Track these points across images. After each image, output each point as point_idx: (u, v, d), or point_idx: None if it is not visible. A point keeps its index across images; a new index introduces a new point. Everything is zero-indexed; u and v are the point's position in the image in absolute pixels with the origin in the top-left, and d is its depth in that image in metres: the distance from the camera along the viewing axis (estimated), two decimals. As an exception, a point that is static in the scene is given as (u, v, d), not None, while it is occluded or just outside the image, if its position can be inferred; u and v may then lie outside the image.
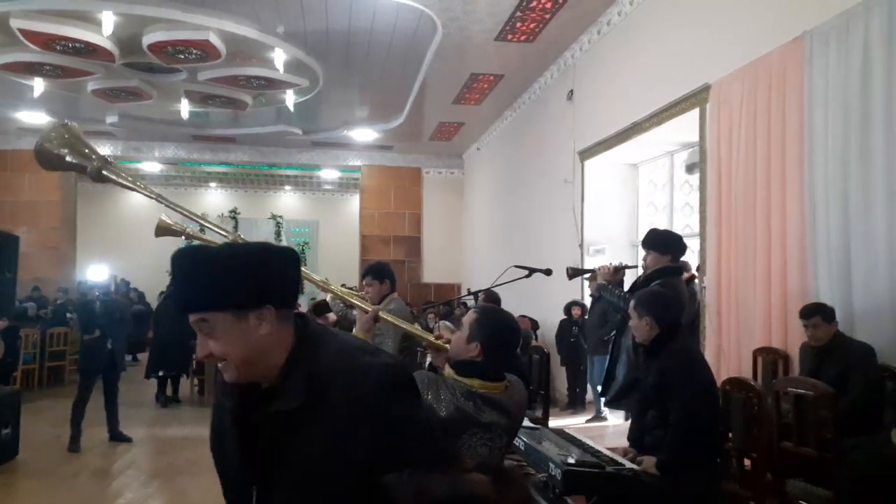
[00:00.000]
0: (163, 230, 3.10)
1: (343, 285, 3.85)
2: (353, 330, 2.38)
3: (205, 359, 1.42)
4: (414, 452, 1.35)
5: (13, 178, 12.88)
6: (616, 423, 6.46)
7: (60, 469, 5.72)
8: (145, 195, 2.69)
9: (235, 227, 17.72)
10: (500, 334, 2.18)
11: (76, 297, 7.04)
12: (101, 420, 6.72)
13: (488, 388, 2.11)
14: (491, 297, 5.27)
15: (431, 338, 2.39)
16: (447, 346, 2.28)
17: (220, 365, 1.38)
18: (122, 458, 6.28)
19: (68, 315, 10.50)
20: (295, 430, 1.34)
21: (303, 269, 2.91)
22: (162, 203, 2.73)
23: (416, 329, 2.55)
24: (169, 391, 9.05)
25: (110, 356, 6.78)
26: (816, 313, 3.87)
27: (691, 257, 6.24)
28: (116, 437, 6.78)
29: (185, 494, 5.29)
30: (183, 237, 3.38)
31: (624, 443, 3.64)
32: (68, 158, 2.61)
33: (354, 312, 5.33)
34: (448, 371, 2.19)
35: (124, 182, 2.62)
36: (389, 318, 2.47)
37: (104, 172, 2.56)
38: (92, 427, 6.53)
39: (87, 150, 2.63)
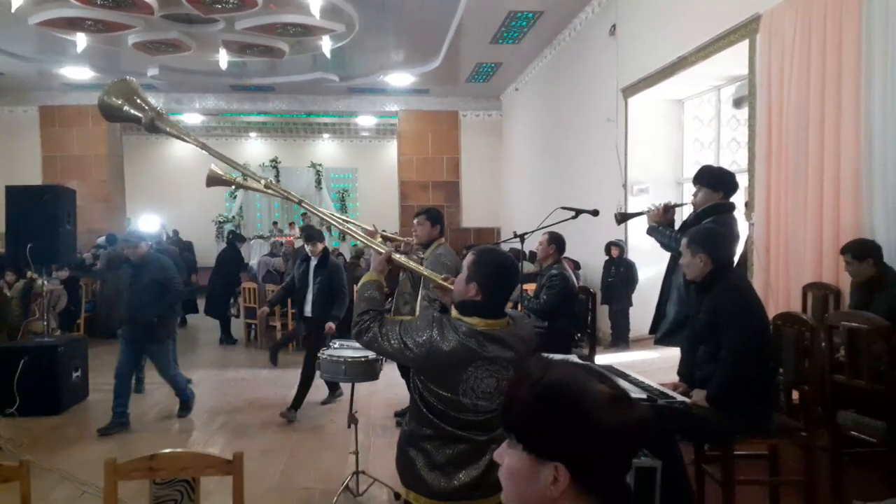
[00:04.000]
0: (213, 180, 3.24)
1: (383, 231, 3.89)
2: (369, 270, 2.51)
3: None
4: None
5: (61, 133, 13.18)
6: (664, 358, 6.51)
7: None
8: (192, 144, 2.95)
9: (276, 176, 17.94)
10: (497, 274, 2.26)
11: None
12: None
13: (489, 325, 2.23)
14: (555, 238, 5.27)
15: (439, 279, 2.51)
16: (452, 286, 2.38)
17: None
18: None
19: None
20: None
21: (335, 216, 3.13)
22: (208, 152, 2.89)
23: (425, 270, 2.70)
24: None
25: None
26: (846, 251, 3.99)
27: (740, 193, 6.14)
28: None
29: (246, 430, 5.57)
30: (232, 186, 3.58)
31: (670, 378, 3.70)
32: (125, 109, 2.84)
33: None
34: (454, 312, 2.30)
35: (173, 132, 2.86)
36: (403, 261, 2.62)
37: (157, 123, 2.78)
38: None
39: (142, 103, 2.85)
